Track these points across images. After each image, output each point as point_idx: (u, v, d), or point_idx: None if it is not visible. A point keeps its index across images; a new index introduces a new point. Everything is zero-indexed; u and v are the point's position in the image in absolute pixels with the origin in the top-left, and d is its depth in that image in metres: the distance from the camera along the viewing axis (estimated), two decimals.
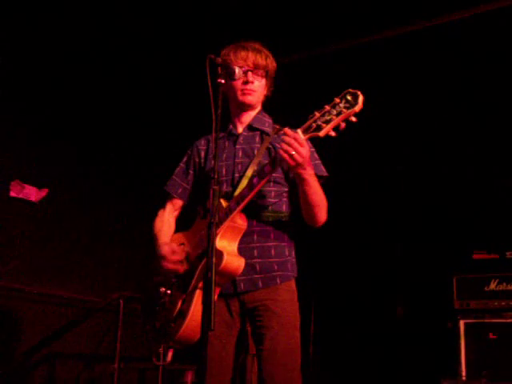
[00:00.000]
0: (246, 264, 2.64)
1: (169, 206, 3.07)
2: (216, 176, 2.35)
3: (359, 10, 5.05)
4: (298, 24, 5.25)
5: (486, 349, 4.62)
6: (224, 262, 2.53)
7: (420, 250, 5.67)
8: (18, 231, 4.82)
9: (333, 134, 2.38)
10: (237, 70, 2.63)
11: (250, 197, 2.60)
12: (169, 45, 5.55)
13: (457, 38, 5.11)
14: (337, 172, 3.13)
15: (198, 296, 2.61)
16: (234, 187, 2.77)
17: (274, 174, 2.67)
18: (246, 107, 2.93)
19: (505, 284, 4.72)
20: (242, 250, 2.67)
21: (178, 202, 3.07)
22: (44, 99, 5.05)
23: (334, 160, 3.22)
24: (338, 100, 2.35)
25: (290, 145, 2.40)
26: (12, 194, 4.76)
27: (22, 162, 4.90)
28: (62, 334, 4.99)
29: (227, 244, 2.63)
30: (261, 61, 2.86)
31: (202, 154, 3.01)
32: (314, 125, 2.39)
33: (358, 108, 2.32)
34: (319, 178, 2.73)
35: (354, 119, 2.34)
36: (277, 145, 2.71)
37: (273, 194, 2.82)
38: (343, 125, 2.36)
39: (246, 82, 2.84)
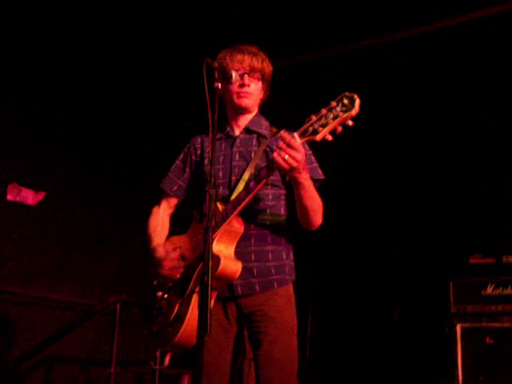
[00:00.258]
0: (244, 268, 2.63)
1: (163, 204, 3.06)
2: (212, 180, 2.34)
3: (357, 14, 5.06)
4: (295, 27, 5.25)
5: (482, 353, 4.62)
6: (221, 266, 2.53)
7: (417, 255, 5.67)
8: (14, 234, 4.81)
9: (329, 137, 2.37)
10: (234, 74, 2.63)
11: (246, 201, 2.59)
12: (167, 46, 5.54)
13: (456, 42, 5.13)
14: (334, 176, 3.12)
15: (195, 300, 2.60)
16: (231, 190, 2.76)
17: (271, 177, 2.66)
18: (243, 110, 2.92)
19: (501, 288, 4.72)
20: (239, 254, 2.67)
21: (173, 200, 3.06)
22: (41, 102, 5.05)
23: (331, 164, 3.21)
24: (334, 103, 2.34)
25: (284, 149, 2.39)
26: (9, 197, 4.75)
27: (19, 165, 4.89)
28: (58, 337, 4.98)
29: (224, 248, 2.63)
30: (257, 64, 2.86)
31: (199, 152, 3.00)
32: (311, 128, 2.39)
33: (354, 112, 2.31)
34: (316, 181, 2.74)
35: (350, 123, 2.33)
36: (274, 147, 2.71)
37: (270, 196, 2.81)
38: (340, 128, 2.35)
39: (242, 85, 2.83)
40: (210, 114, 2.43)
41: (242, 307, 2.74)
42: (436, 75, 5.41)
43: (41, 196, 4.98)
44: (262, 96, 2.98)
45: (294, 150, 2.39)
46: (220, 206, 2.66)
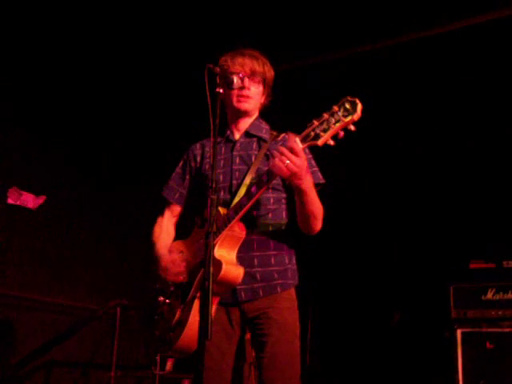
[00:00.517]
0: (247, 273, 2.63)
1: (167, 213, 3.06)
2: (214, 185, 2.33)
3: (358, 19, 5.07)
4: (296, 31, 5.26)
5: (482, 358, 4.60)
6: (222, 271, 2.52)
7: (417, 259, 5.65)
8: (15, 238, 4.81)
9: (331, 142, 2.36)
10: (235, 79, 2.62)
11: (248, 206, 2.59)
12: (168, 48, 5.55)
13: (456, 47, 5.14)
14: (334, 180, 3.12)
15: (196, 306, 2.60)
16: (232, 194, 2.76)
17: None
18: (242, 114, 2.91)
19: (502, 293, 4.71)
20: (241, 259, 2.66)
21: (176, 208, 3.06)
22: (41, 105, 5.05)
23: (331, 168, 3.21)
24: (336, 108, 2.33)
25: (285, 154, 2.37)
26: (9, 201, 4.75)
27: (19, 168, 4.89)
28: (58, 341, 4.97)
29: (226, 253, 2.62)
30: (258, 67, 2.86)
31: (198, 158, 3.00)
32: (313, 133, 2.37)
33: (356, 117, 2.29)
34: (316, 185, 2.73)
35: (352, 128, 2.32)
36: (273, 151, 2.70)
37: (272, 200, 2.81)
38: (342, 133, 2.33)
39: (242, 88, 2.82)
40: (211, 119, 2.43)
41: (245, 312, 2.74)
42: (435, 80, 5.42)
43: (41, 200, 4.97)
44: (262, 100, 2.97)
45: (293, 155, 2.37)
46: (221, 211, 2.65)
